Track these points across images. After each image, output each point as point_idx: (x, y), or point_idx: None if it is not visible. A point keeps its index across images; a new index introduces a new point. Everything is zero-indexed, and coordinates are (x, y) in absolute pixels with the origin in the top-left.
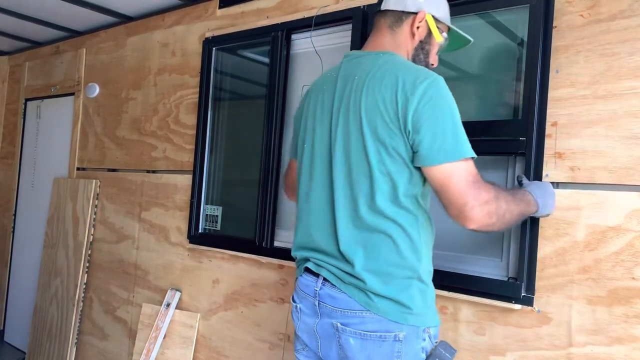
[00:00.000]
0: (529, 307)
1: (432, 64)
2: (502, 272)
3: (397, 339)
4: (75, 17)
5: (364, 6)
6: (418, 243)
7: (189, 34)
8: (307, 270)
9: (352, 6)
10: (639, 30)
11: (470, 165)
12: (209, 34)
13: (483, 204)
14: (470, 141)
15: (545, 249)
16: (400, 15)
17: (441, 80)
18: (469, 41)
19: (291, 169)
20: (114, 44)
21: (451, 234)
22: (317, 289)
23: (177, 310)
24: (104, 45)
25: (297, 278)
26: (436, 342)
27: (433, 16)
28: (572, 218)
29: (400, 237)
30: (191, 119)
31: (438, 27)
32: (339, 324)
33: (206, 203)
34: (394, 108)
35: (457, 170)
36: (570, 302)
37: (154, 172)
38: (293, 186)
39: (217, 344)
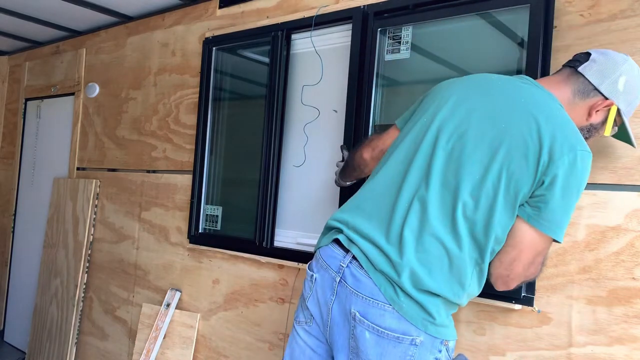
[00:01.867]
0: (529, 307)
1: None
2: None
3: (413, 342)
4: (75, 17)
5: (364, 6)
6: (470, 280)
7: (189, 34)
8: (336, 242)
9: (352, 6)
10: (639, 30)
11: (550, 246)
12: (209, 34)
13: (527, 278)
14: None
15: None
16: (590, 90)
17: (591, 157)
18: (632, 144)
19: (389, 134)
20: (114, 43)
21: None
22: (343, 265)
23: (177, 310)
24: (104, 45)
25: (319, 247)
26: (453, 357)
27: (618, 109)
28: (572, 218)
29: (459, 265)
30: (191, 119)
31: (614, 120)
32: (357, 314)
33: (206, 203)
34: (541, 154)
35: (543, 247)
36: (571, 302)
37: (154, 172)
38: (378, 149)
39: (217, 344)
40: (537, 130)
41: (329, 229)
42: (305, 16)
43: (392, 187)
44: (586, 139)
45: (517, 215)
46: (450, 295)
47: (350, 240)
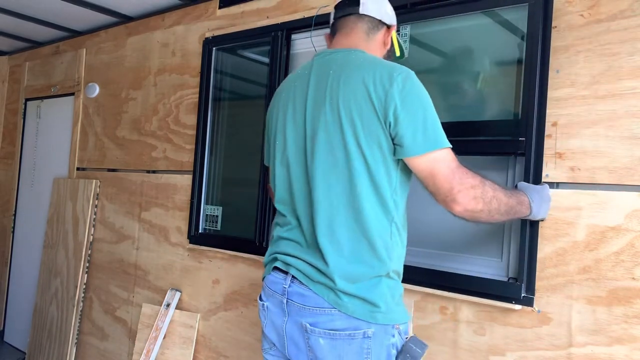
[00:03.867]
0: (529, 308)
1: None
2: (502, 273)
3: (366, 335)
4: (75, 17)
5: None
6: (391, 241)
7: (189, 34)
8: (276, 269)
9: None
10: (639, 30)
11: (452, 153)
12: (209, 34)
13: (469, 188)
14: (470, 141)
15: (545, 249)
16: (377, 24)
17: (414, 74)
18: (403, 56)
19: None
20: (114, 44)
21: (452, 234)
22: (286, 287)
23: (177, 311)
24: (104, 45)
25: (264, 277)
26: (406, 338)
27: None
28: (572, 218)
29: (376, 235)
30: (191, 119)
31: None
32: (307, 325)
33: (206, 203)
34: (373, 101)
35: (441, 157)
36: (570, 302)
37: (154, 172)
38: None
39: (217, 344)
40: (363, 88)
41: (265, 264)
42: (305, 16)
43: (293, 214)
44: None
45: (400, 159)
46: (383, 268)
47: (286, 263)
